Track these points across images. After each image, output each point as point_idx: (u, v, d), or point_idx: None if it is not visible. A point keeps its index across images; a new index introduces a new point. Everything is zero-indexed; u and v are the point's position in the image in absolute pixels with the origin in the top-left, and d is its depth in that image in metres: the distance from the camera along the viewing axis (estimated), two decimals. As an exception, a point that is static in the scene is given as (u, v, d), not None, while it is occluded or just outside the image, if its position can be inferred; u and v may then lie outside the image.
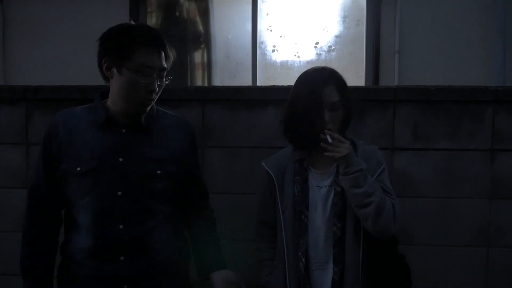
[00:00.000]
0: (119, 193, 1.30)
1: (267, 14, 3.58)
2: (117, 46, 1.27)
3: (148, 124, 1.36)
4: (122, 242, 1.30)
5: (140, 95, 1.29)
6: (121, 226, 1.30)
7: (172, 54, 1.35)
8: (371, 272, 1.38)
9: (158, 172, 1.33)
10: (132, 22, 1.36)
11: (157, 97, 1.34)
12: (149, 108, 1.35)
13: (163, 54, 1.30)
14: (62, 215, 1.40)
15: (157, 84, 1.30)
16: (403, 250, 1.49)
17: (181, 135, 1.42)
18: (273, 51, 3.59)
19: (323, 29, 3.54)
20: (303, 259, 1.38)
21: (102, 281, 1.31)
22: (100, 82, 1.38)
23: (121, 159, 1.31)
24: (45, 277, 1.39)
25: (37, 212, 1.38)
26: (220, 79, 3.71)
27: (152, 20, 3.79)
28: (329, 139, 1.34)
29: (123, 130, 1.34)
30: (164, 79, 1.33)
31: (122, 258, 1.30)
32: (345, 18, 3.54)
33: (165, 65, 1.31)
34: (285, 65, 3.60)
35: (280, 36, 3.58)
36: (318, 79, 1.38)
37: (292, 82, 1.49)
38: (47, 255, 1.39)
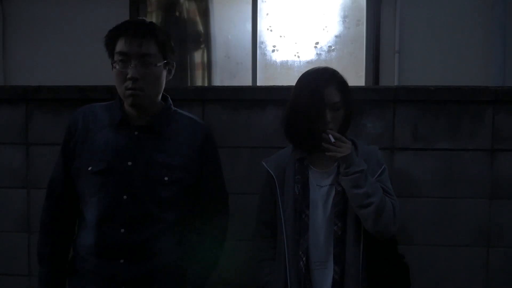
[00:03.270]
0: (125, 197, 1.30)
1: (267, 14, 3.58)
2: (107, 44, 1.30)
3: (161, 127, 1.35)
4: (123, 246, 1.30)
5: (124, 85, 1.27)
6: (122, 230, 1.30)
7: (164, 41, 1.31)
8: (371, 272, 1.38)
9: (166, 178, 1.32)
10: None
11: (146, 86, 1.28)
12: (144, 101, 1.29)
13: (147, 42, 1.26)
14: (78, 207, 1.41)
15: (138, 71, 1.25)
16: (403, 250, 1.49)
17: (194, 140, 1.38)
18: (273, 51, 3.59)
19: (323, 29, 3.54)
20: (304, 258, 1.38)
21: (102, 279, 1.32)
22: (100, 82, 1.39)
23: (130, 163, 1.31)
24: (60, 265, 1.40)
25: (54, 203, 1.40)
26: (220, 79, 3.71)
27: (152, 20, 3.78)
28: (332, 139, 1.34)
29: (136, 133, 1.33)
30: (153, 65, 1.28)
31: (122, 261, 1.30)
32: (345, 18, 3.54)
33: (149, 51, 1.27)
34: (285, 65, 3.60)
35: (280, 36, 3.58)
36: (320, 79, 1.38)
37: (292, 82, 1.49)
38: (62, 244, 1.41)
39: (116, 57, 1.27)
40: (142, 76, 1.26)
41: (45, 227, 1.42)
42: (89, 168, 1.31)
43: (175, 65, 1.39)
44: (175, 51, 1.38)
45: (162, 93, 1.42)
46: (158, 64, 1.30)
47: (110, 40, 1.29)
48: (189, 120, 1.43)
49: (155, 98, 1.36)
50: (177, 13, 3.80)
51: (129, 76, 1.25)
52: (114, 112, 1.36)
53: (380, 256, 1.39)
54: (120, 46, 1.26)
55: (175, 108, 1.43)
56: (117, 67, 1.27)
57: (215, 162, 1.48)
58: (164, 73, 1.35)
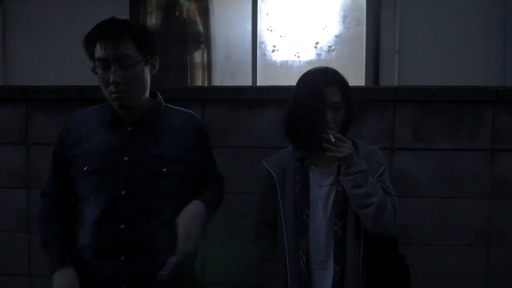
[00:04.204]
0: (123, 192, 1.30)
1: (267, 14, 3.58)
2: (86, 49, 1.30)
3: (154, 121, 1.36)
4: (123, 242, 1.30)
5: (108, 90, 1.28)
6: (122, 226, 1.30)
7: (141, 37, 1.29)
8: (371, 272, 1.38)
9: (164, 170, 1.32)
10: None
11: (130, 88, 1.28)
12: (131, 101, 1.30)
13: (122, 43, 1.24)
14: (74, 207, 1.42)
15: (119, 75, 1.25)
16: (403, 250, 1.49)
17: (188, 132, 1.40)
18: (273, 51, 3.59)
19: (323, 29, 3.54)
20: (304, 258, 1.38)
21: (103, 279, 1.31)
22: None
23: (126, 158, 1.31)
24: (66, 249, 1.37)
25: (48, 203, 1.43)
26: (220, 79, 3.71)
27: (152, 20, 3.79)
28: (332, 139, 1.34)
29: (129, 129, 1.34)
30: (132, 66, 1.26)
31: (122, 258, 1.30)
32: (345, 18, 3.54)
33: (125, 53, 1.25)
34: (285, 65, 3.60)
35: (280, 36, 3.58)
36: (321, 79, 1.38)
37: (292, 82, 1.49)
38: (63, 230, 1.40)
39: (97, 64, 1.28)
40: (123, 79, 1.26)
41: (43, 218, 1.42)
42: (85, 168, 1.31)
43: (158, 59, 1.38)
44: (155, 45, 1.35)
45: (152, 90, 1.42)
46: (138, 64, 1.29)
47: (88, 45, 1.29)
48: (181, 113, 1.44)
49: (141, 97, 1.35)
50: (177, 13, 3.80)
51: (110, 81, 1.25)
52: (105, 112, 1.37)
53: (380, 256, 1.39)
54: (97, 52, 1.26)
55: (166, 104, 1.44)
56: (99, 72, 1.28)
57: (207, 152, 1.50)
58: (147, 70, 1.33)
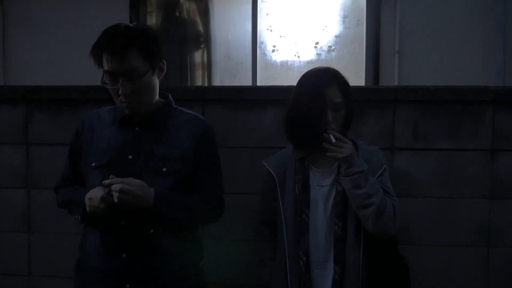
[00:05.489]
0: None
1: (267, 14, 3.58)
2: (94, 59, 1.31)
3: (162, 122, 1.39)
4: (124, 239, 1.31)
5: (118, 99, 1.32)
6: (123, 223, 1.31)
7: (146, 47, 1.29)
8: (371, 272, 1.38)
9: (164, 169, 1.34)
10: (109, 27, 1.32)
11: (140, 97, 1.32)
12: (142, 108, 1.35)
13: (128, 57, 1.26)
14: None
15: (127, 87, 1.27)
16: (403, 250, 1.49)
17: (190, 132, 1.41)
18: (273, 51, 3.59)
19: (323, 29, 3.54)
20: (304, 258, 1.38)
21: (106, 276, 1.32)
22: (100, 82, 1.39)
23: (130, 156, 1.35)
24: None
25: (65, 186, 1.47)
26: (220, 79, 3.71)
27: (152, 20, 3.79)
28: (333, 139, 1.34)
29: (137, 129, 1.38)
30: (139, 78, 1.28)
31: (124, 255, 1.31)
32: (345, 18, 3.54)
33: (131, 66, 1.27)
34: (285, 65, 3.60)
35: (280, 36, 3.58)
36: (322, 80, 1.38)
37: (292, 82, 1.49)
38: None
39: (105, 76, 1.30)
40: (132, 90, 1.29)
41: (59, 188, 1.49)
42: (93, 164, 1.36)
43: (165, 62, 1.40)
44: (161, 48, 1.36)
45: (163, 92, 1.46)
46: (145, 74, 1.30)
47: (95, 56, 1.30)
48: (190, 116, 1.47)
49: (151, 101, 1.39)
50: (177, 13, 3.81)
51: (120, 93, 1.30)
52: (117, 112, 1.41)
53: (380, 256, 1.39)
54: (104, 64, 1.29)
55: (177, 106, 1.47)
56: (108, 83, 1.31)
57: (211, 156, 1.47)
58: (154, 76, 1.36)
